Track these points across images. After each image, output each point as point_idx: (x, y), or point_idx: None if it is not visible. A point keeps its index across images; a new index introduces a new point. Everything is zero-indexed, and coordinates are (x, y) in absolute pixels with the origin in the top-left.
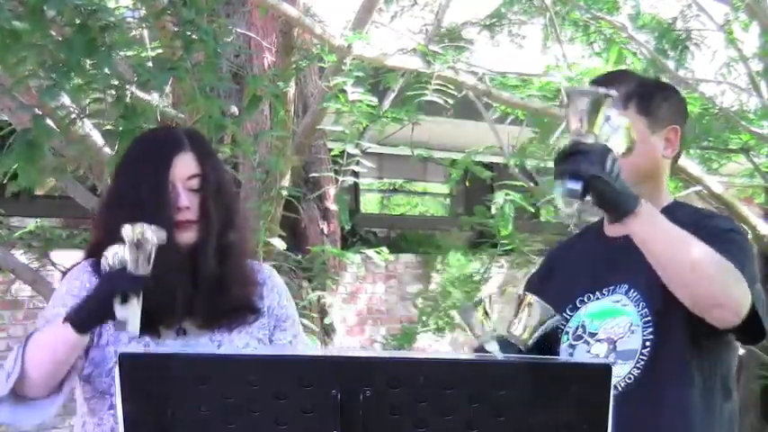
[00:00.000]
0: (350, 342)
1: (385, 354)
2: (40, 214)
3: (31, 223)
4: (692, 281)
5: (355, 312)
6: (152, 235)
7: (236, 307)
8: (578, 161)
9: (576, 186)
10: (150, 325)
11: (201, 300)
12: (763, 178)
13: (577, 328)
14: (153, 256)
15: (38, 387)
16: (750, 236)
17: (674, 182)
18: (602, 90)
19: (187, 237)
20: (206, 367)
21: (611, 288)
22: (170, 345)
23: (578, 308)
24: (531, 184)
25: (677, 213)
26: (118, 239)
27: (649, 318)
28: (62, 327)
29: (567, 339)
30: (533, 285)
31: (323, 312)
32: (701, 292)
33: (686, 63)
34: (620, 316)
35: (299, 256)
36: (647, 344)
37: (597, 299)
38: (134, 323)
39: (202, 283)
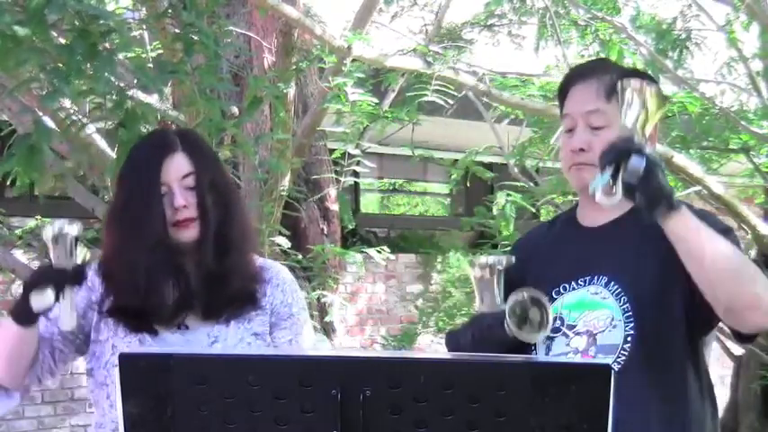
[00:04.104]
0: (350, 342)
1: (385, 354)
2: (40, 214)
3: (30, 223)
4: (733, 281)
5: (355, 312)
6: (69, 229)
7: (236, 300)
8: (641, 145)
9: (640, 164)
10: (146, 323)
11: (202, 294)
12: (763, 178)
13: (554, 320)
14: (73, 248)
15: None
16: (750, 236)
17: (674, 181)
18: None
19: (189, 234)
20: (206, 367)
21: (588, 279)
22: (167, 339)
23: (554, 299)
24: (531, 185)
25: None
26: (127, 249)
27: (631, 313)
28: (8, 320)
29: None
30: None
31: (323, 312)
32: (742, 293)
33: (685, 63)
34: (601, 309)
35: (300, 256)
36: (629, 339)
37: (573, 289)
38: (65, 318)
39: (204, 277)
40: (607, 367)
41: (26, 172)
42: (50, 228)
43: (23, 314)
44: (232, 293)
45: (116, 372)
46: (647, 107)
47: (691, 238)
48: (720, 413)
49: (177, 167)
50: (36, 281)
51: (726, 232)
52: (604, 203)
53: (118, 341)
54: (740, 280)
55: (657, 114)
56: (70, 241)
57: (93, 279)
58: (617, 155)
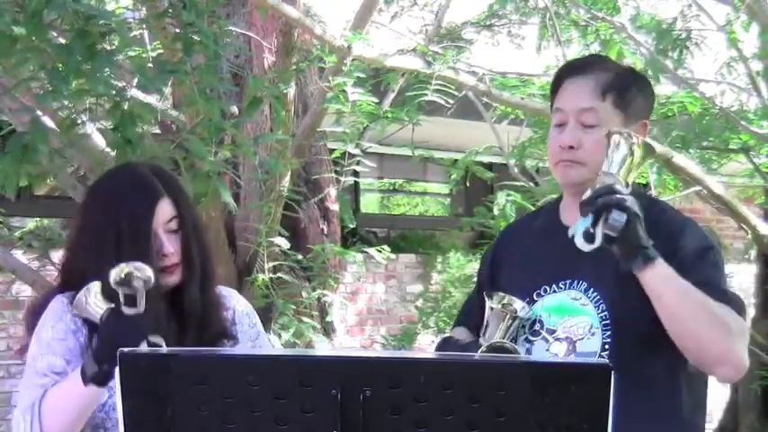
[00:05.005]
0: (350, 342)
1: (385, 354)
2: (40, 214)
3: (30, 223)
4: (702, 339)
5: (355, 312)
6: (141, 273)
7: (218, 336)
8: (622, 198)
9: (621, 219)
10: None
11: (190, 337)
12: (763, 178)
13: (534, 323)
14: (143, 292)
15: None
16: (750, 236)
17: (674, 181)
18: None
19: (172, 280)
20: (206, 367)
21: (568, 282)
22: None
23: (535, 301)
24: (531, 185)
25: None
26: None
27: (608, 321)
28: (78, 385)
29: (524, 333)
30: (484, 272)
31: (323, 312)
32: (710, 348)
33: (685, 63)
34: (581, 315)
35: (300, 256)
36: (606, 347)
37: (554, 292)
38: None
39: (189, 320)
40: (607, 367)
41: (12, 173)
42: (120, 271)
43: (104, 375)
44: (213, 332)
45: (116, 371)
46: (633, 155)
47: (664, 292)
48: (720, 413)
49: (164, 212)
50: (120, 339)
51: (706, 250)
52: (584, 249)
53: (114, 383)
54: (709, 336)
55: (642, 163)
56: (142, 287)
57: (74, 320)
58: (599, 208)
